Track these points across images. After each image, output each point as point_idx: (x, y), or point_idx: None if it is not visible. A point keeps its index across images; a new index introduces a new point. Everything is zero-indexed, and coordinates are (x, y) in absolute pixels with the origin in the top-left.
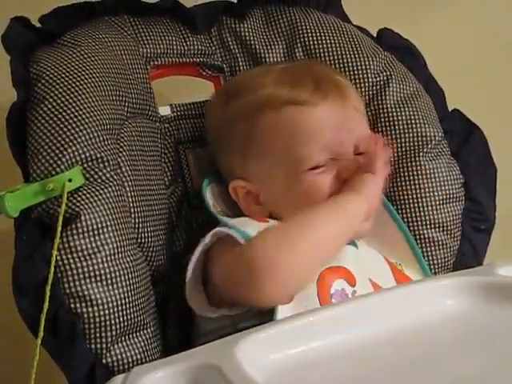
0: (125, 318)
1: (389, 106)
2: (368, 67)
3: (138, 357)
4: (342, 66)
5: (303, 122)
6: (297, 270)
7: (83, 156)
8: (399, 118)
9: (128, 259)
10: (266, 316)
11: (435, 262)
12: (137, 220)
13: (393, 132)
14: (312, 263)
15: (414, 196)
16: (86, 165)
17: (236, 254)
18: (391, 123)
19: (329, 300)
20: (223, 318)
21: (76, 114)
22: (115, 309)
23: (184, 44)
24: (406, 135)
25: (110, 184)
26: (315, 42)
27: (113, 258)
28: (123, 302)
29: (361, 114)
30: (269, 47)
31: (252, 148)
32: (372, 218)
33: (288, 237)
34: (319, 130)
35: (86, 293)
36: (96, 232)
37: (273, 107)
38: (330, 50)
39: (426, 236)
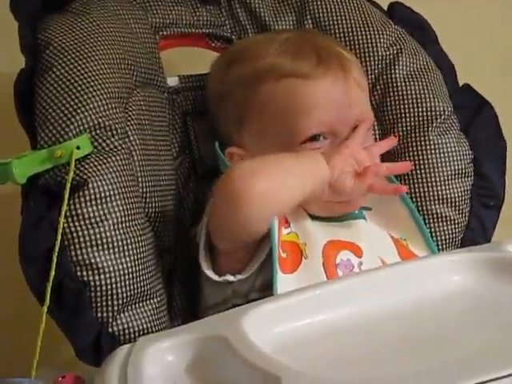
0: (132, 286)
1: (398, 79)
2: (378, 40)
3: (144, 326)
4: (351, 38)
5: (302, 94)
6: (268, 193)
7: (91, 124)
8: (409, 92)
9: (135, 228)
10: (268, 288)
11: (443, 237)
12: (144, 190)
13: (402, 106)
14: (278, 195)
15: (423, 171)
16: (94, 133)
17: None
18: (400, 97)
19: (334, 269)
20: (228, 288)
21: (84, 81)
22: (122, 277)
23: (193, 15)
24: (416, 109)
25: (118, 152)
26: (325, 15)
27: (120, 226)
28: (130, 270)
29: (362, 90)
30: (278, 19)
31: (249, 117)
32: (365, 194)
33: (262, 165)
34: (318, 104)
35: (92, 261)
36: (104, 200)
37: (273, 78)
38: (339, 22)
39: (434, 212)
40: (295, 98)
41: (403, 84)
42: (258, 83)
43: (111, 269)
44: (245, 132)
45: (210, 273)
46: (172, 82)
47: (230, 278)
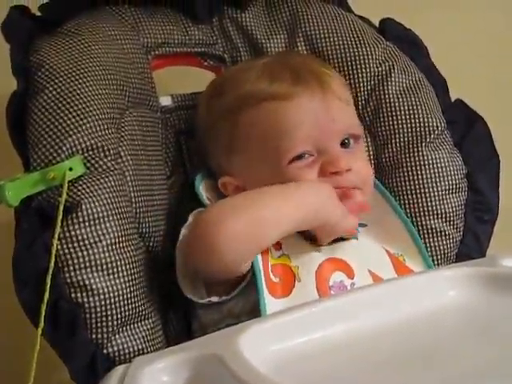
0: (126, 307)
1: (391, 96)
2: (370, 57)
3: (140, 347)
4: (343, 56)
5: (282, 115)
6: (237, 238)
7: (84, 145)
8: (401, 108)
9: (129, 248)
10: (255, 309)
11: (438, 252)
12: (138, 210)
13: (395, 122)
14: (253, 237)
15: (417, 186)
16: (86, 154)
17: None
18: (393, 113)
19: (328, 292)
20: (221, 308)
21: (76, 102)
22: (116, 298)
23: (185, 34)
24: (408, 125)
25: (111, 173)
26: (316, 32)
27: (114, 247)
28: (124, 291)
29: (345, 103)
30: (270, 37)
31: (236, 146)
32: (355, 217)
33: (236, 207)
34: (299, 121)
35: (86, 282)
36: (97, 221)
37: (252, 104)
38: (331, 40)
39: (429, 227)
40: (276, 121)
41: (396, 100)
42: (239, 111)
43: (105, 290)
44: (233, 160)
45: (192, 296)
46: (165, 101)
47: (215, 299)
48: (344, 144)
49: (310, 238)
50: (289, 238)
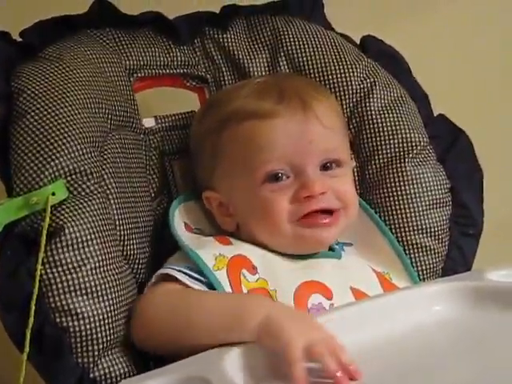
0: (111, 331)
1: (373, 112)
2: (352, 74)
3: (126, 370)
4: (325, 74)
5: (259, 132)
6: (161, 345)
7: (66, 169)
8: (384, 124)
9: (113, 272)
10: None
11: (424, 267)
12: (122, 232)
13: (378, 138)
14: (178, 343)
15: (401, 202)
16: (69, 178)
17: (152, 292)
18: (376, 129)
19: None
20: None
21: (58, 127)
22: (101, 322)
23: (167, 55)
24: (391, 141)
25: (94, 197)
26: (298, 51)
27: (98, 271)
28: (110, 315)
29: (328, 129)
30: (252, 57)
31: (218, 161)
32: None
33: (173, 315)
34: (274, 140)
35: (71, 306)
36: (81, 245)
37: (236, 121)
38: (313, 58)
39: (414, 242)
40: (253, 138)
41: (378, 116)
42: (224, 127)
43: (90, 314)
44: (216, 175)
45: None
46: (148, 123)
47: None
48: (326, 168)
49: (286, 255)
50: (265, 258)
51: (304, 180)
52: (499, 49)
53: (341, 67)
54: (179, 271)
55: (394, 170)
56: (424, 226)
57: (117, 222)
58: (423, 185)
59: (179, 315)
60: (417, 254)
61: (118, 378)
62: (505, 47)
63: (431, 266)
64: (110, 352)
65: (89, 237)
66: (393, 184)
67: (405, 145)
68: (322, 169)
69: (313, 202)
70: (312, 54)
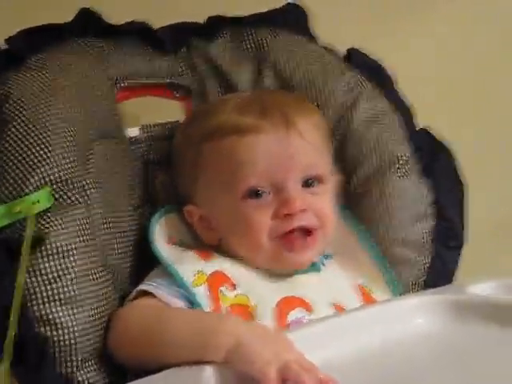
0: (92, 341)
1: (357, 124)
2: (336, 87)
3: (107, 380)
4: (310, 86)
5: (241, 148)
6: (131, 356)
7: (50, 178)
8: (368, 136)
9: (94, 282)
10: None
11: (406, 280)
12: (104, 242)
13: (361, 150)
14: (149, 360)
15: (384, 215)
16: (53, 187)
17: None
18: (360, 142)
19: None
20: None
21: (42, 136)
22: (81, 332)
23: (152, 65)
24: (374, 154)
25: (77, 206)
26: (283, 63)
27: (79, 280)
28: (89, 325)
29: (310, 144)
30: (237, 68)
31: (199, 175)
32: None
33: (145, 332)
34: (254, 156)
35: (51, 316)
36: (62, 255)
37: (219, 135)
38: (298, 70)
39: (396, 255)
40: (235, 153)
41: (362, 129)
42: (205, 142)
43: (69, 324)
44: (197, 190)
45: None
46: (132, 132)
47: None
48: (307, 184)
49: (266, 271)
50: (244, 274)
51: (284, 196)
52: (486, 46)
53: (325, 79)
54: (158, 287)
55: (377, 183)
56: (406, 239)
57: (99, 232)
58: (406, 198)
59: (151, 333)
60: (399, 267)
61: None
62: (490, 45)
63: (413, 278)
64: (89, 363)
65: (71, 246)
66: (375, 196)
67: (388, 158)
68: (304, 185)
69: (293, 219)
70: (297, 66)
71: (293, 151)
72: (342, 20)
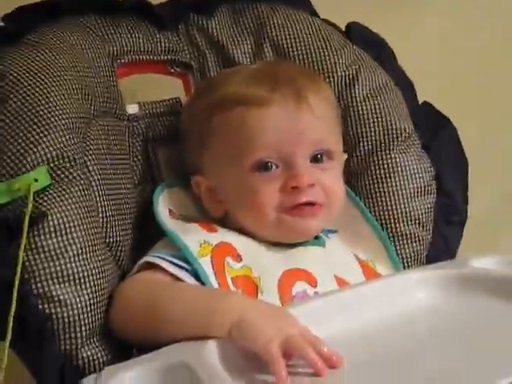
0: (94, 318)
1: (358, 99)
2: (337, 61)
3: (109, 357)
4: (310, 60)
5: (251, 119)
6: (134, 331)
7: (49, 155)
8: (368, 111)
9: (96, 259)
10: None
11: (408, 255)
12: (105, 219)
13: (362, 125)
14: (152, 335)
15: (386, 190)
16: (52, 164)
17: (137, 279)
18: (361, 116)
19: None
20: None
21: (41, 113)
22: (84, 309)
23: (151, 41)
24: (376, 128)
25: (77, 183)
26: (283, 37)
27: (80, 257)
28: (92, 301)
29: (320, 119)
30: (237, 43)
31: (208, 146)
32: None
33: (148, 306)
34: (264, 127)
35: (54, 293)
36: (63, 231)
37: (228, 106)
38: (297, 44)
39: (399, 230)
40: (243, 125)
41: (363, 103)
42: (214, 112)
43: (72, 301)
44: (204, 160)
45: None
46: (131, 109)
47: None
48: (316, 159)
49: (271, 243)
50: (249, 246)
51: (293, 171)
52: (488, 40)
53: (326, 54)
54: (163, 259)
55: (379, 158)
56: (408, 214)
57: (99, 209)
58: (408, 172)
59: (154, 309)
60: (401, 242)
61: (102, 366)
62: (493, 39)
63: (415, 253)
64: (92, 340)
65: (71, 223)
66: (377, 171)
67: (390, 132)
68: (313, 160)
69: (300, 194)
70: (297, 40)
71: (303, 126)
72: (343, 12)
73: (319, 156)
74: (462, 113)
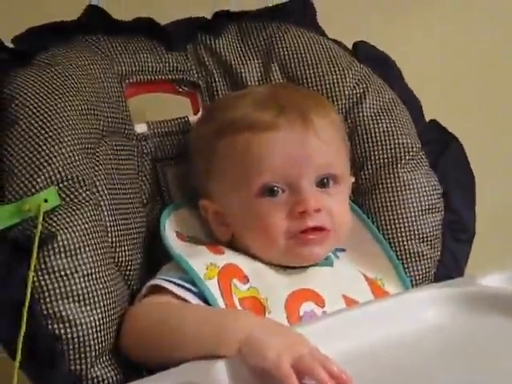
0: (104, 338)
1: (366, 117)
2: (344, 80)
3: (118, 377)
4: (318, 79)
5: (257, 144)
6: (144, 354)
7: (59, 176)
8: (376, 129)
9: (106, 279)
10: None
11: (416, 273)
12: (114, 239)
13: (370, 144)
14: (161, 357)
15: (394, 208)
16: (61, 184)
17: (146, 304)
18: (368, 135)
19: (298, 322)
20: None
21: (50, 134)
22: (94, 329)
23: (159, 61)
24: (384, 146)
25: (86, 204)
26: (291, 57)
27: (90, 277)
28: (102, 321)
29: (327, 144)
30: (245, 63)
31: (213, 171)
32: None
33: (156, 329)
34: (271, 152)
35: (63, 313)
36: (73, 252)
37: (235, 130)
38: (305, 64)
39: (407, 248)
40: (251, 149)
41: (370, 122)
42: (220, 137)
43: (82, 321)
44: (211, 185)
45: None
46: (140, 128)
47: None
48: (322, 184)
49: (278, 266)
50: (256, 268)
51: (299, 195)
52: (490, 42)
53: (333, 73)
54: (170, 281)
55: (387, 176)
56: (416, 232)
57: (109, 229)
58: (416, 190)
59: (162, 329)
60: (409, 260)
61: None
62: (494, 41)
63: (424, 271)
64: (102, 359)
65: (81, 244)
66: (385, 189)
67: (398, 150)
68: (319, 185)
69: (308, 218)
70: (304, 60)
71: (309, 150)
72: (344, 15)
73: (325, 180)
74: (462, 114)
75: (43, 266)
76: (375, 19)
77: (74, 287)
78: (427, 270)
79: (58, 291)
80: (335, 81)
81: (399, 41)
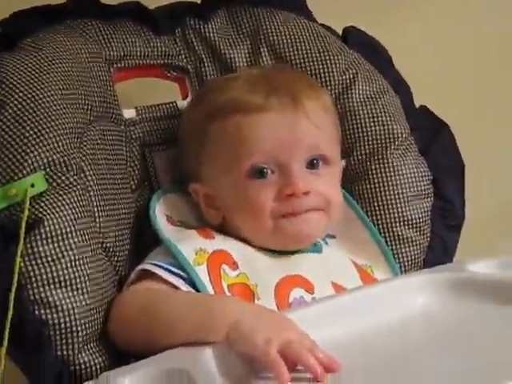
0: (91, 323)
1: (355, 103)
2: (334, 65)
3: (106, 363)
4: (307, 64)
5: (247, 126)
6: (132, 340)
7: (46, 161)
8: (365, 115)
9: (93, 264)
10: None
11: (405, 259)
12: (102, 225)
13: (359, 130)
14: (149, 343)
15: (383, 193)
16: (48, 169)
17: (132, 291)
18: (357, 121)
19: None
20: None
21: (37, 118)
22: (81, 315)
23: (147, 46)
24: (373, 132)
25: (74, 189)
26: (280, 42)
27: (77, 263)
28: (89, 307)
29: (317, 126)
30: (234, 47)
31: (203, 154)
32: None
33: (144, 315)
34: (261, 133)
35: (50, 299)
36: (60, 238)
37: (225, 113)
38: (295, 49)
39: (396, 234)
40: (241, 131)
41: (360, 108)
42: (211, 120)
43: (69, 306)
44: (202, 168)
45: None
46: (128, 114)
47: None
48: (312, 165)
49: (267, 250)
50: (246, 253)
51: (288, 177)
52: (482, 42)
53: (323, 58)
54: (159, 266)
55: (376, 162)
56: (406, 218)
57: (96, 214)
58: (405, 176)
59: (150, 314)
60: (398, 246)
61: (99, 371)
62: (491, 38)
63: (413, 257)
64: (89, 345)
65: (68, 229)
66: (374, 175)
67: (386, 136)
68: (309, 166)
69: (296, 201)
70: (294, 44)
71: (299, 132)
72: (340, 10)
73: (315, 161)
74: (459, 112)
75: (30, 252)
76: (370, 11)
77: (60, 272)
78: (416, 255)
79: (44, 277)
80: (325, 66)
81: (395, 34)
